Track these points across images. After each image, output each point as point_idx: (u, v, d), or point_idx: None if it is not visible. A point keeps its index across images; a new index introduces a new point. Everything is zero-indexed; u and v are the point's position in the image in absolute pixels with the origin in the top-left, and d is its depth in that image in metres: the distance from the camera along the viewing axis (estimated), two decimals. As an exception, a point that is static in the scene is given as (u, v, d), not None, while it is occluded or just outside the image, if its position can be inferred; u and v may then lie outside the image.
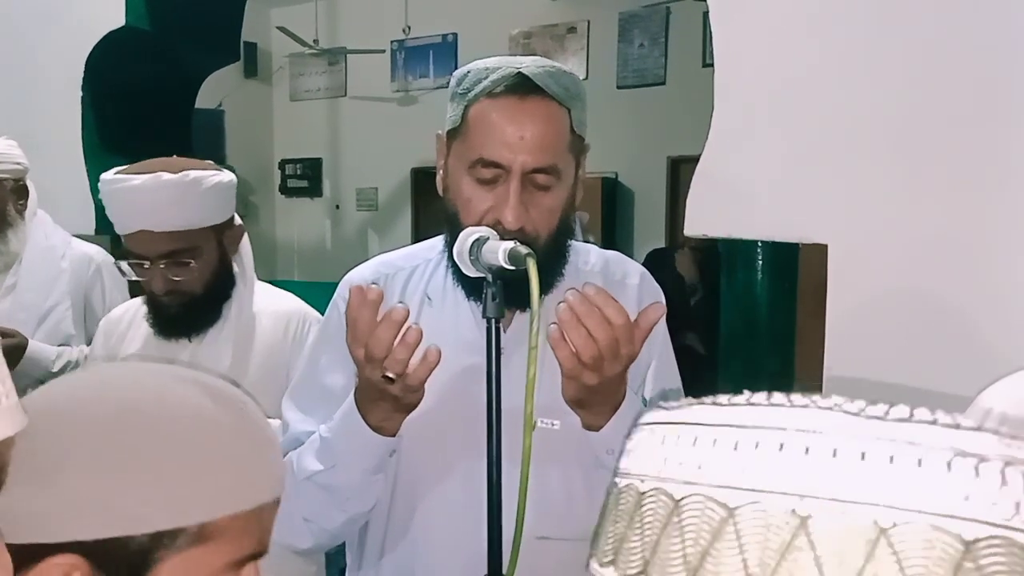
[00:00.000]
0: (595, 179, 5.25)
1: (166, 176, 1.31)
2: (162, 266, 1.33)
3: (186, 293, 1.36)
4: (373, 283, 0.91)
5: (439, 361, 0.88)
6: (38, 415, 0.49)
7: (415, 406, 0.93)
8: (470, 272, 0.91)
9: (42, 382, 0.61)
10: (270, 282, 1.58)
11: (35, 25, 2.48)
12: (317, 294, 1.51)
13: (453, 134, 1.00)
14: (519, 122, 0.93)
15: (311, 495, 0.98)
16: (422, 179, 6.15)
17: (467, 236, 0.90)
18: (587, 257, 1.10)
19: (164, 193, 1.30)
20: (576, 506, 1.01)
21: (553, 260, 0.99)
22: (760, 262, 1.87)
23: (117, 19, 2.33)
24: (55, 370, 1.85)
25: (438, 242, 1.09)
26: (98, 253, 2.12)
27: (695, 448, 0.34)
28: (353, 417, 0.94)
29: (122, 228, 1.35)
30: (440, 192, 1.04)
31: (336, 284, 1.13)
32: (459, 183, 0.98)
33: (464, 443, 0.98)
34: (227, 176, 1.39)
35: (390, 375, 0.87)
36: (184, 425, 0.56)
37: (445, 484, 1.01)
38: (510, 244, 0.86)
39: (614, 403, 0.93)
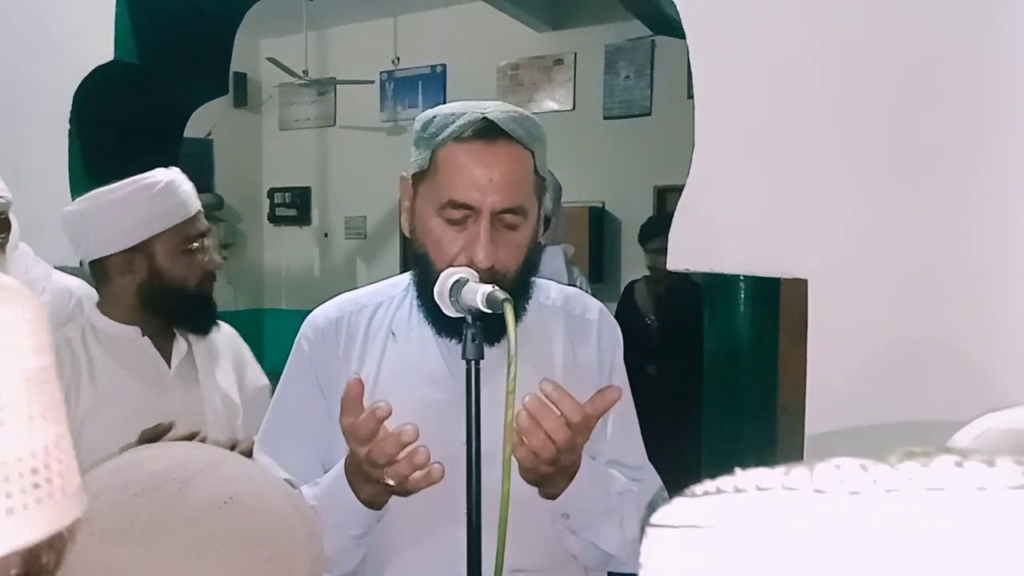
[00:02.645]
0: (582, 208, 5.27)
1: None
2: None
3: None
4: (355, 374, 0.92)
5: (442, 478, 0.88)
6: (152, 488, 0.55)
7: (409, 494, 0.92)
8: (450, 312, 0.92)
9: None
10: (258, 310, 1.57)
11: (23, 59, 2.49)
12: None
13: (420, 177, 1.02)
14: (488, 165, 0.96)
15: None
16: (410, 208, 6.16)
17: (447, 277, 0.92)
18: (548, 292, 1.13)
19: None
20: (548, 539, 1.02)
21: (519, 295, 1.01)
22: (742, 292, 1.88)
23: (106, 53, 2.34)
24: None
25: (402, 279, 1.11)
26: (79, 286, 2.11)
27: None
28: (342, 489, 0.94)
29: None
30: (406, 233, 1.05)
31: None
32: (428, 224, 0.99)
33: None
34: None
35: (389, 481, 0.88)
36: (277, 531, 0.57)
37: (415, 520, 1.01)
38: (488, 288, 0.87)
39: (569, 475, 0.95)
